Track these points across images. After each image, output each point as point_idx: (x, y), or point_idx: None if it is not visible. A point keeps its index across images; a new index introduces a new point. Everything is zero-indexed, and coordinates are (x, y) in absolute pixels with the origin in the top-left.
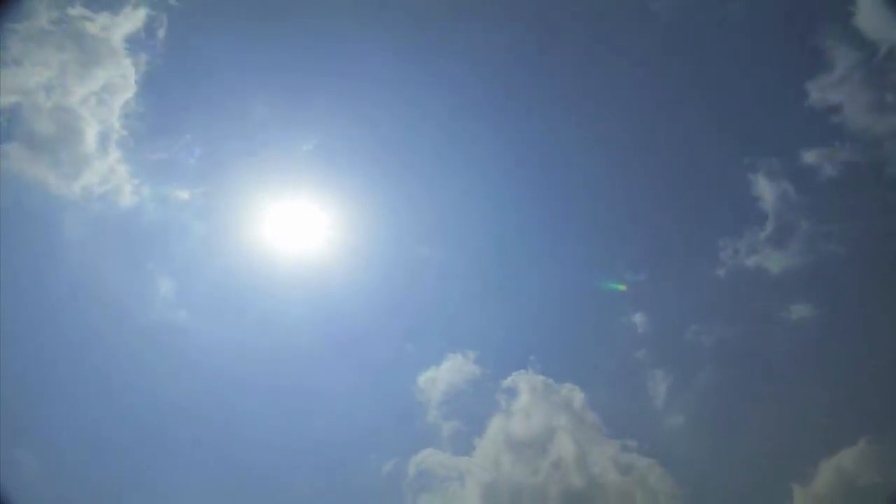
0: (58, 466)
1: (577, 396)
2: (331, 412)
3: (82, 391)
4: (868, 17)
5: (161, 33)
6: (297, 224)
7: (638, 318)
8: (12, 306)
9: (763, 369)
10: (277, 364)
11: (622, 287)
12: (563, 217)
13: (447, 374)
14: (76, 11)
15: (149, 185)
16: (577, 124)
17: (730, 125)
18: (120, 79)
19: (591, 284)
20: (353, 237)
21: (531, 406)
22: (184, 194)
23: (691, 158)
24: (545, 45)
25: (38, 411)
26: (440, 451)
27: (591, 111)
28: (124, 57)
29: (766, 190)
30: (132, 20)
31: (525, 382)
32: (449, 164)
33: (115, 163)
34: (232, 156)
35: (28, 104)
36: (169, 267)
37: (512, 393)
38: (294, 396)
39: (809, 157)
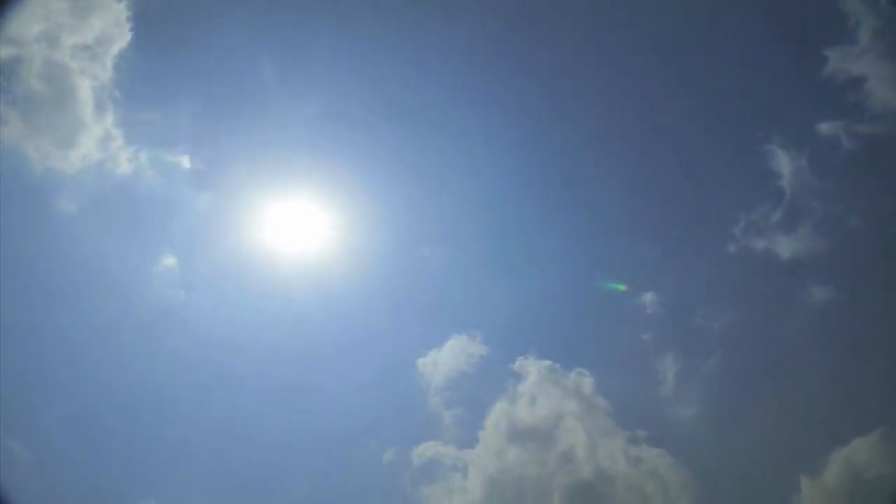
0: (50, 455)
1: (586, 382)
2: (332, 396)
3: (78, 374)
4: None
5: None
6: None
7: (648, 300)
8: (5, 288)
9: (775, 356)
10: (278, 342)
11: (622, 287)
12: (571, 200)
13: (451, 358)
14: None
15: (146, 152)
16: (587, 100)
17: (746, 99)
18: (113, 27)
19: (600, 267)
20: (358, 220)
21: (537, 392)
22: (184, 162)
23: (704, 135)
24: (549, 38)
25: (31, 397)
26: (442, 441)
27: (602, 84)
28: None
29: (782, 166)
30: None
31: (531, 368)
32: (457, 155)
33: (110, 127)
34: (232, 120)
35: (18, 59)
36: (169, 242)
37: (518, 378)
38: (294, 376)
39: (827, 132)
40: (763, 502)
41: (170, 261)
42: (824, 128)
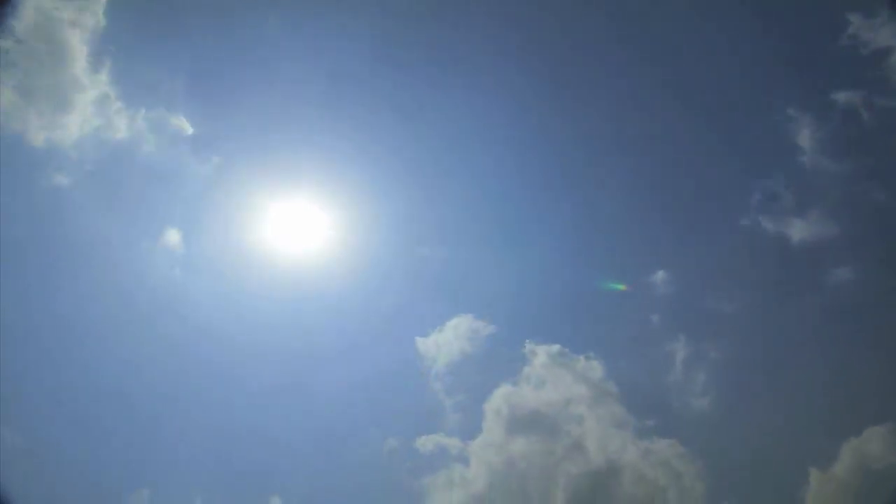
0: (42, 441)
1: (595, 368)
2: (334, 378)
3: (75, 357)
4: None
5: None
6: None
7: (659, 279)
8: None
9: (787, 342)
10: (280, 324)
11: (622, 287)
12: (580, 184)
13: (454, 339)
14: None
15: (145, 114)
16: (598, 78)
17: (761, 72)
18: None
19: (611, 250)
20: (365, 204)
21: (545, 378)
22: (185, 127)
23: (716, 110)
24: (553, 36)
25: (25, 380)
26: (446, 430)
27: (615, 59)
28: None
29: (797, 141)
30: None
31: (540, 353)
32: (467, 146)
33: (106, 86)
34: (236, 83)
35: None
36: (171, 216)
37: (525, 362)
38: (295, 352)
39: (845, 103)
40: (772, 493)
41: (172, 236)
42: (842, 99)
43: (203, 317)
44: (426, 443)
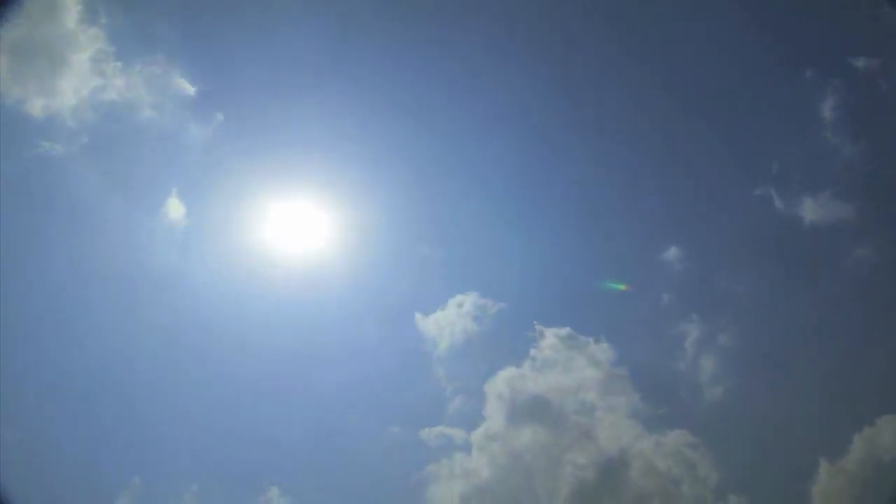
0: (34, 429)
1: (604, 353)
2: (332, 363)
3: (74, 334)
4: None
5: None
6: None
7: (671, 254)
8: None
9: (801, 328)
10: (280, 300)
11: (622, 287)
12: (596, 155)
13: (460, 322)
14: None
15: (143, 72)
16: (610, 55)
17: (779, 40)
18: None
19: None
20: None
21: (553, 362)
22: (186, 87)
23: (739, 82)
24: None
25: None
26: (448, 419)
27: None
28: None
29: (817, 113)
30: None
31: (549, 335)
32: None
33: (102, 43)
34: (239, 40)
35: None
36: (172, 183)
37: (532, 345)
38: (295, 332)
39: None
40: (782, 484)
41: (173, 205)
42: (861, 65)
43: (203, 298)
44: (429, 434)
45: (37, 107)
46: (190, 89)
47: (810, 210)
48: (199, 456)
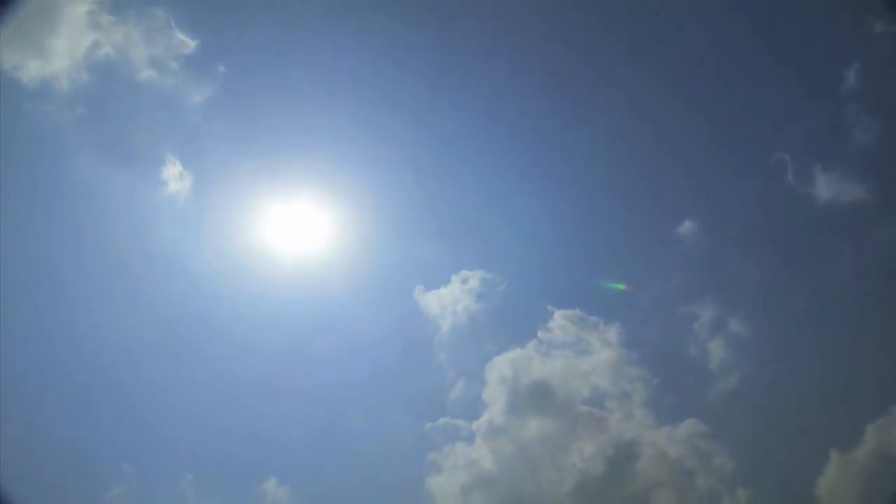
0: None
1: (612, 334)
2: (337, 345)
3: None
4: None
5: None
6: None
7: (685, 230)
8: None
9: (819, 313)
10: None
11: (622, 286)
12: (608, 128)
13: (464, 300)
14: None
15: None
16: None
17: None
18: None
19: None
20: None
21: (561, 344)
22: (186, 44)
23: (753, 55)
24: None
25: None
26: (451, 408)
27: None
28: None
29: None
30: None
31: (557, 317)
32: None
33: None
34: None
35: None
36: (170, 148)
37: (541, 327)
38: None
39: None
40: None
41: (172, 170)
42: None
43: (203, 276)
44: (431, 422)
45: (30, 70)
46: (190, 44)
47: (828, 189)
48: (196, 446)
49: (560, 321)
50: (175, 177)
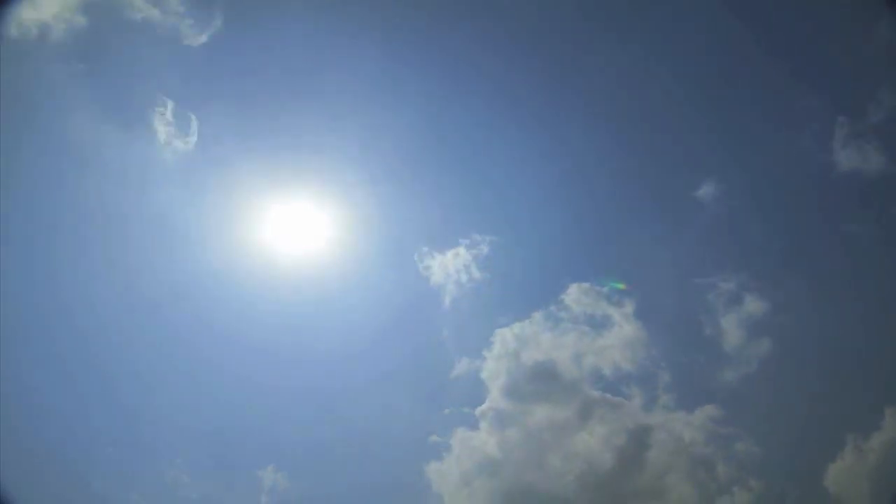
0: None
1: (628, 308)
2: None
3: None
4: None
5: None
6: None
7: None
8: None
9: (840, 291)
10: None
11: (622, 286)
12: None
13: (467, 269)
14: None
15: None
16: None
17: None
18: None
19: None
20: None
21: (573, 319)
22: None
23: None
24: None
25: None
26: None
27: None
28: None
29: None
30: None
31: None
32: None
33: None
34: None
35: None
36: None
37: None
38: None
39: None
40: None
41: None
42: None
43: (202, 243)
44: (433, 406)
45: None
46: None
47: (853, 159)
48: (193, 436)
49: (574, 294)
50: (173, 126)
